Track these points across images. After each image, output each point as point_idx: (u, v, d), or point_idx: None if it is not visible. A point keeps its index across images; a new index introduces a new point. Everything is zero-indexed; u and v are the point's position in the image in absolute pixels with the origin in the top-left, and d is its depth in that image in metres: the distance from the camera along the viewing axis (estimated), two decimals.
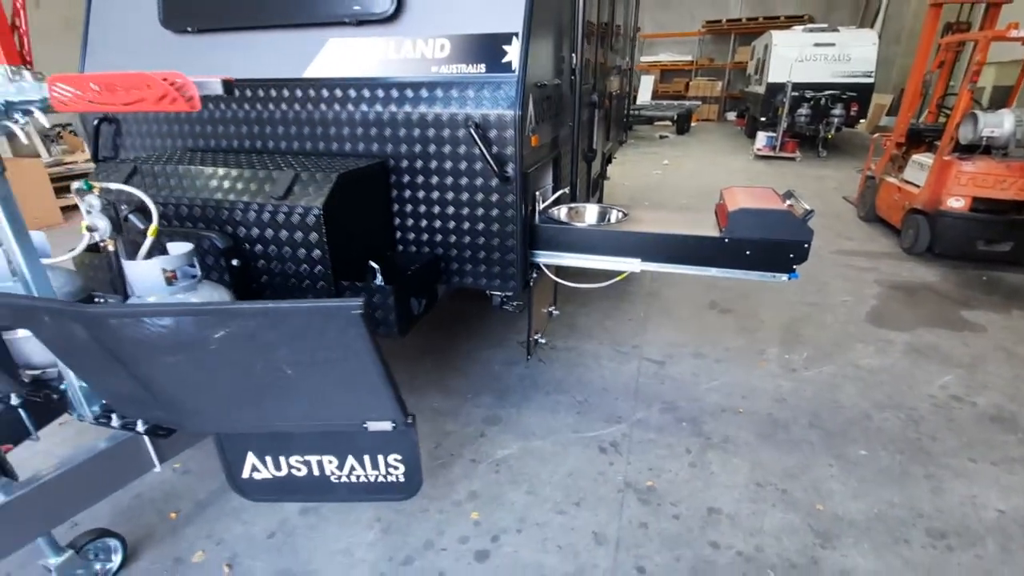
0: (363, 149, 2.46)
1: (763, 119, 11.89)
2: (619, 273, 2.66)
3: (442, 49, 2.27)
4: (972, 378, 3.24)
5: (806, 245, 2.27)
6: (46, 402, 1.94)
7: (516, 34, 2.18)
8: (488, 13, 2.20)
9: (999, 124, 4.79)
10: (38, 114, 1.53)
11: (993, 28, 5.44)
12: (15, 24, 1.50)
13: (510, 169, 2.29)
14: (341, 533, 2.18)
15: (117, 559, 1.99)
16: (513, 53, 2.19)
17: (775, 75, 11.53)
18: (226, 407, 1.59)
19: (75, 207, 6.98)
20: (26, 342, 1.86)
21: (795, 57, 11.40)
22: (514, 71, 2.19)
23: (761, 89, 12.34)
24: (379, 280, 2.26)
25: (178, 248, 1.75)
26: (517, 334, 3.68)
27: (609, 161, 5.89)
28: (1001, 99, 8.00)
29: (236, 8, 2.49)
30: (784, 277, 2.35)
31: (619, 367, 3.35)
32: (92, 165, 7.35)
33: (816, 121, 10.97)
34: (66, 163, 7.36)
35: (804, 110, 10.89)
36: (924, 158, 5.45)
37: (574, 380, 3.21)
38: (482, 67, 2.23)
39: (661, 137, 14.04)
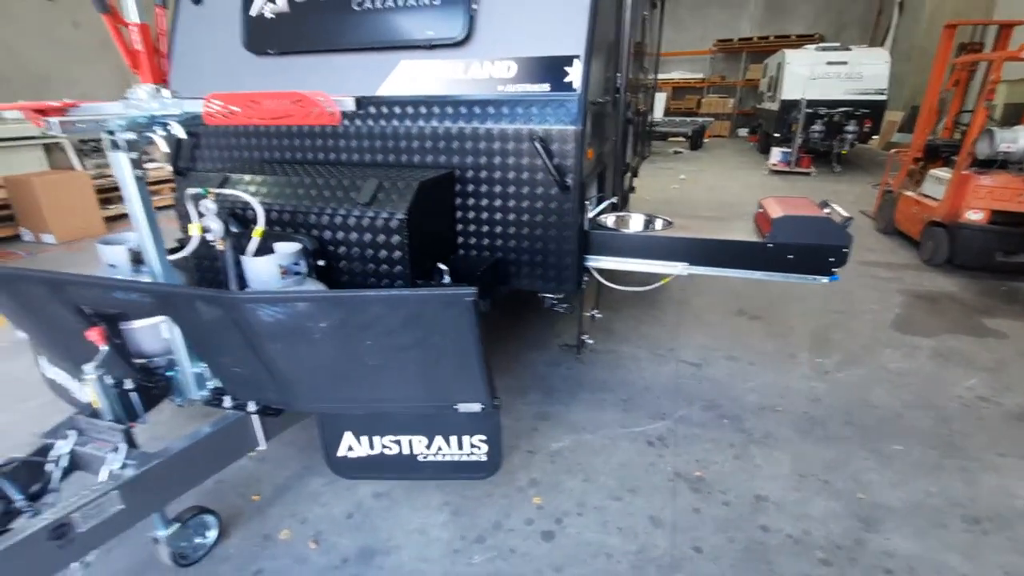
0: (431, 160, 2.67)
1: (777, 135, 12.10)
2: (663, 277, 2.85)
3: (509, 70, 2.49)
4: (997, 380, 3.37)
5: (845, 249, 2.45)
6: (153, 388, 2.13)
7: (578, 56, 2.39)
8: (552, 38, 2.41)
9: (1015, 140, 4.96)
10: (175, 126, 1.75)
11: (1006, 48, 5.64)
12: (157, 48, 1.71)
13: (570, 179, 2.49)
14: (413, 515, 2.34)
15: (212, 534, 2.16)
16: (575, 74, 2.40)
17: (789, 92, 11.77)
18: (336, 388, 1.77)
19: (116, 218, 7.27)
20: (139, 332, 2.06)
21: (808, 75, 11.65)
22: (576, 90, 2.40)
23: (774, 106, 12.58)
24: (447, 280, 2.45)
25: (288, 247, 1.95)
26: (556, 337, 3.85)
27: (635, 174, 6.10)
28: (1012, 116, 8.19)
29: (315, 33, 2.73)
30: (824, 279, 2.52)
31: (658, 368, 3.51)
32: None
33: (830, 137, 11.18)
34: (107, 175, 7.65)
35: (818, 126, 11.11)
36: (942, 173, 5.61)
37: (616, 380, 3.37)
38: (546, 86, 2.44)
39: (675, 152, 14.28)
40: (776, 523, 2.29)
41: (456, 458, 1.94)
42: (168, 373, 2.11)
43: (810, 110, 11.03)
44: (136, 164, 1.69)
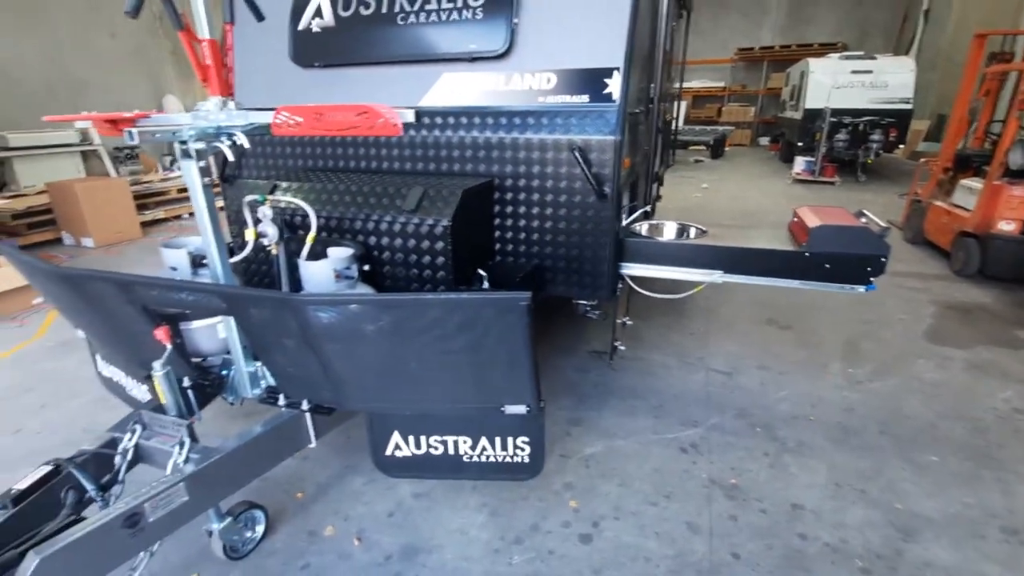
0: (470, 169, 2.74)
1: (800, 144, 12.02)
2: (696, 285, 2.88)
3: (548, 82, 2.55)
4: None
5: (883, 259, 2.46)
6: (208, 386, 2.22)
7: (617, 69, 2.45)
8: (592, 50, 2.48)
9: None
10: (240, 136, 1.84)
11: None
12: (225, 62, 1.81)
13: (607, 188, 2.54)
14: (453, 515, 2.39)
15: (260, 529, 2.23)
16: (614, 85, 2.46)
17: (812, 101, 11.70)
18: (388, 388, 1.83)
19: (150, 223, 7.48)
20: (197, 332, 2.15)
21: (832, 84, 11.58)
22: (615, 101, 2.46)
23: (797, 115, 12.51)
24: (486, 286, 2.51)
25: (342, 252, 2.02)
26: (585, 344, 3.89)
27: (661, 183, 6.13)
28: None
29: (360, 47, 2.83)
30: (861, 289, 2.53)
31: (688, 376, 3.52)
32: (165, 184, 7.85)
33: (854, 146, 11.08)
34: (143, 182, 7.90)
35: (842, 135, 11.02)
36: (973, 183, 5.55)
37: (646, 387, 3.40)
38: (585, 97, 2.50)
39: (696, 161, 14.25)
40: (814, 531, 2.29)
41: (500, 459, 1.99)
42: (223, 372, 2.19)
43: (834, 119, 10.95)
44: (204, 172, 1.78)
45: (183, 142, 1.72)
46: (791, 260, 2.58)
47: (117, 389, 2.53)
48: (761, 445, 2.86)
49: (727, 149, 15.97)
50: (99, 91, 9.76)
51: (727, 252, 2.66)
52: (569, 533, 2.28)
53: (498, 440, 1.96)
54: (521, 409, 1.87)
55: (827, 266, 2.53)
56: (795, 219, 2.81)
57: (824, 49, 16.20)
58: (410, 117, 1.57)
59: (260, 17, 1.88)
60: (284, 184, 2.65)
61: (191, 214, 8.25)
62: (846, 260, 2.49)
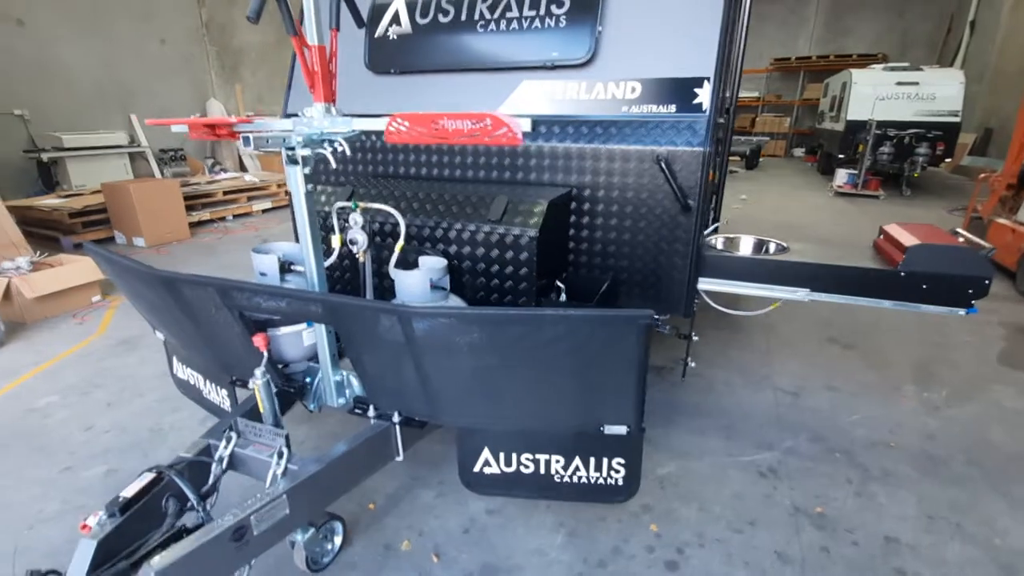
0: (548, 178, 2.69)
1: (841, 156, 11.76)
2: (772, 302, 2.78)
3: (633, 91, 2.49)
4: None
5: (987, 280, 2.33)
6: (292, 393, 2.19)
7: (708, 78, 2.38)
8: (682, 59, 2.41)
9: None
10: (342, 143, 1.81)
11: None
12: (330, 69, 1.78)
13: (692, 200, 2.46)
14: (529, 535, 2.32)
15: (338, 540, 2.19)
16: (704, 95, 2.39)
17: (855, 113, 11.44)
18: (487, 404, 1.78)
19: (198, 224, 7.61)
20: (283, 338, 2.13)
21: (876, 95, 11.31)
22: (705, 111, 2.39)
23: (838, 126, 12.24)
24: (563, 298, 2.45)
25: (436, 262, 1.99)
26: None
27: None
28: None
29: (437, 54, 2.80)
30: (961, 312, 2.40)
31: (754, 395, 3.41)
32: (211, 186, 7.97)
33: (899, 160, 10.79)
34: (191, 184, 8.05)
35: (887, 148, 10.75)
36: None
37: (712, 405, 3.29)
38: (672, 107, 2.43)
39: (731, 172, 14.04)
40: (912, 567, 2.17)
41: (592, 480, 1.92)
42: (306, 379, 2.16)
43: (878, 131, 10.69)
44: (308, 178, 1.75)
45: (290, 148, 1.70)
46: (884, 279, 2.47)
47: (192, 392, 2.53)
48: (842, 471, 2.73)
49: (761, 160, 15.71)
50: (146, 95, 10.01)
51: (814, 269, 2.55)
52: (654, 559, 2.20)
53: (592, 460, 1.89)
54: (621, 429, 1.80)
55: (924, 287, 2.41)
56: (882, 236, 2.70)
57: (864, 60, 15.90)
58: (527, 126, 1.52)
59: (361, 23, 1.86)
60: (360, 190, 2.63)
61: (235, 216, 8.40)
62: (946, 281, 2.37)
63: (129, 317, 4.55)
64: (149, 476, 1.60)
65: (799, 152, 17.86)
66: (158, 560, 1.33)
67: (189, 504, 1.63)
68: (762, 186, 12.10)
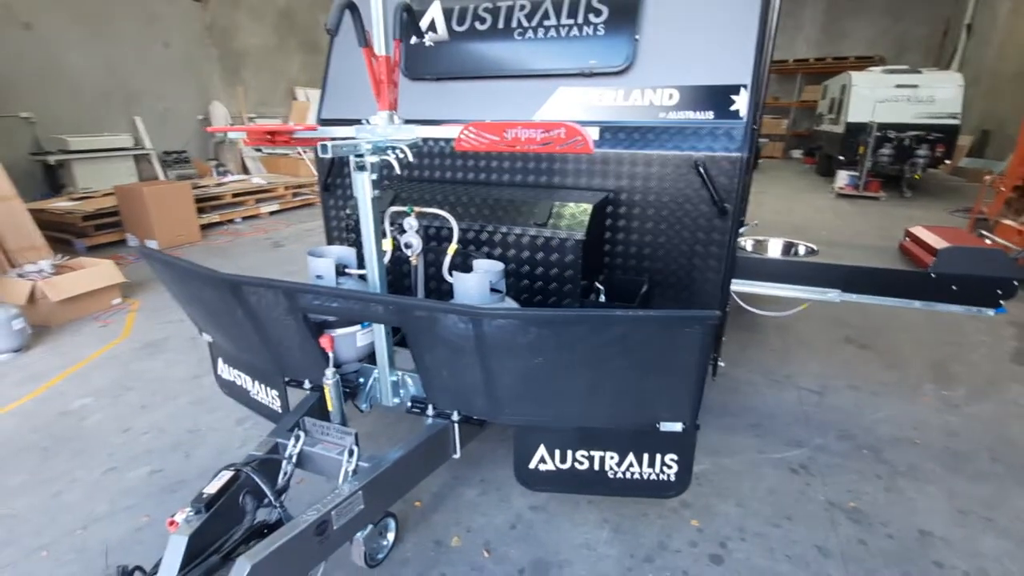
0: (585, 183, 2.75)
1: (841, 158, 11.90)
2: (802, 303, 2.85)
3: (671, 98, 2.56)
4: None
5: (1016, 282, 2.41)
6: (347, 393, 2.24)
7: (745, 85, 2.45)
8: (719, 67, 2.48)
9: None
10: (404, 150, 1.86)
11: None
12: (392, 78, 1.84)
13: (729, 204, 2.53)
14: (575, 530, 2.38)
15: (392, 536, 2.23)
16: (741, 102, 2.45)
17: (855, 115, 11.59)
18: (548, 403, 1.83)
19: (208, 226, 7.61)
20: (339, 340, 2.17)
21: (876, 98, 11.47)
22: (742, 118, 2.45)
23: (838, 128, 12.39)
24: (602, 299, 2.51)
25: (493, 265, 2.04)
26: None
27: None
28: None
29: (473, 61, 2.86)
30: (990, 312, 2.48)
31: (779, 395, 3.48)
32: (220, 189, 8.00)
33: (900, 161, 10.95)
34: (200, 186, 8.06)
35: (887, 150, 10.90)
36: None
37: (738, 404, 3.36)
38: (710, 114, 2.50)
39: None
40: (949, 559, 2.24)
41: (646, 476, 1.98)
42: (359, 380, 2.21)
43: (879, 133, 10.84)
44: (375, 184, 1.80)
45: (359, 155, 1.75)
46: (914, 281, 2.55)
47: (238, 393, 2.57)
48: (871, 468, 2.81)
49: (760, 161, 15.87)
50: (151, 98, 9.99)
51: (845, 271, 2.63)
52: (699, 553, 2.26)
53: (646, 456, 1.95)
54: (677, 427, 1.86)
55: (954, 288, 2.49)
56: (907, 239, 2.77)
57: (861, 63, 16.08)
58: (595, 135, 1.58)
59: (420, 34, 1.91)
60: (404, 195, 2.68)
61: (243, 218, 8.41)
62: (975, 282, 2.45)
63: (152, 320, 4.57)
64: (227, 474, 1.64)
65: (797, 154, 18.03)
66: (252, 554, 1.37)
67: (265, 500, 1.67)
68: (764, 187, 12.21)
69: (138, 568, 1.49)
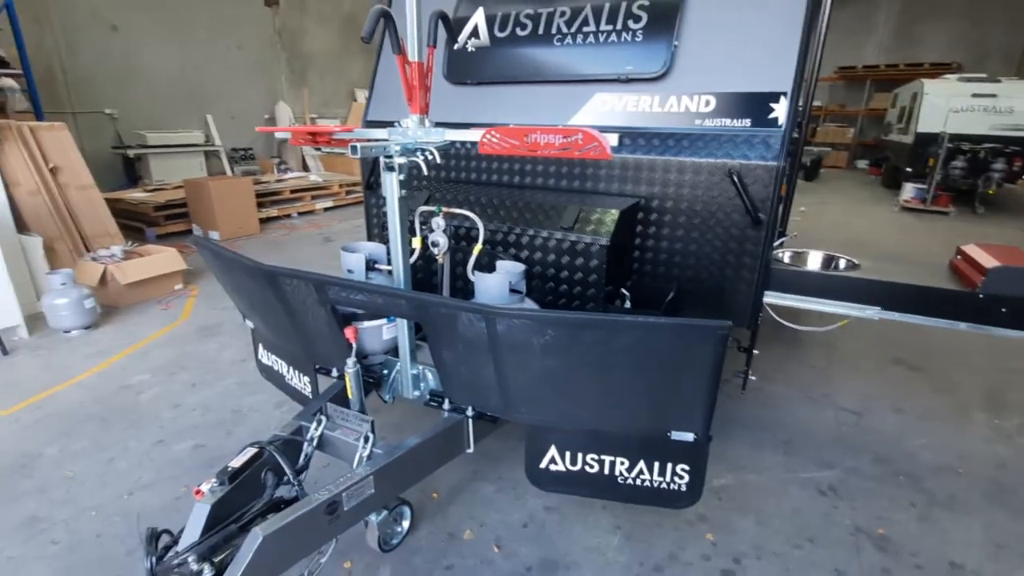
0: (616, 188, 2.76)
1: (908, 170, 11.25)
2: (841, 319, 2.75)
3: (707, 104, 2.53)
4: None
5: None
6: (370, 383, 2.34)
7: (785, 93, 2.39)
8: (759, 74, 2.43)
9: None
10: (433, 152, 1.94)
11: None
12: (425, 83, 1.91)
13: (764, 214, 2.48)
14: (587, 533, 2.39)
15: (406, 524, 2.31)
16: (780, 110, 2.40)
17: (926, 125, 10.94)
18: (559, 404, 1.86)
19: (266, 220, 8.02)
20: (366, 332, 2.27)
21: (949, 107, 10.79)
22: (780, 126, 2.40)
23: (907, 139, 11.73)
24: (628, 305, 2.51)
25: (514, 266, 2.09)
26: None
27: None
28: None
29: (513, 66, 2.92)
30: None
31: (814, 413, 3.36)
32: (280, 185, 8.39)
33: (973, 175, 10.24)
34: (262, 182, 8.50)
35: (959, 163, 10.22)
36: None
37: (770, 420, 3.27)
38: (747, 122, 2.46)
39: None
40: None
41: (655, 484, 1.97)
42: (384, 371, 2.31)
43: (951, 144, 10.19)
44: (402, 185, 1.89)
45: (388, 156, 1.83)
46: (961, 300, 2.42)
47: (275, 377, 2.72)
48: (906, 495, 2.67)
49: (821, 171, 15.21)
50: (222, 97, 10.62)
51: (886, 287, 2.52)
52: (710, 567, 2.23)
53: (657, 464, 1.94)
54: (689, 436, 1.85)
55: (1003, 310, 2.35)
56: (959, 256, 2.63)
57: (936, 70, 15.12)
58: (615, 141, 1.60)
59: (455, 40, 1.98)
60: (436, 194, 2.77)
61: (299, 213, 8.81)
62: None
63: (208, 306, 4.88)
64: (252, 451, 1.76)
65: (863, 164, 17.16)
66: (265, 526, 1.47)
67: (285, 478, 1.78)
68: (823, 198, 11.72)
69: (166, 531, 1.62)
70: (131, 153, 8.80)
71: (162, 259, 4.95)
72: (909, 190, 10.46)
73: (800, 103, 3.10)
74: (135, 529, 2.32)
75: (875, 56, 17.48)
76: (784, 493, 2.66)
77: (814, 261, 2.96)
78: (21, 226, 4.56)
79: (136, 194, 7.34)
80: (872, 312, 2.55)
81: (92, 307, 4.23)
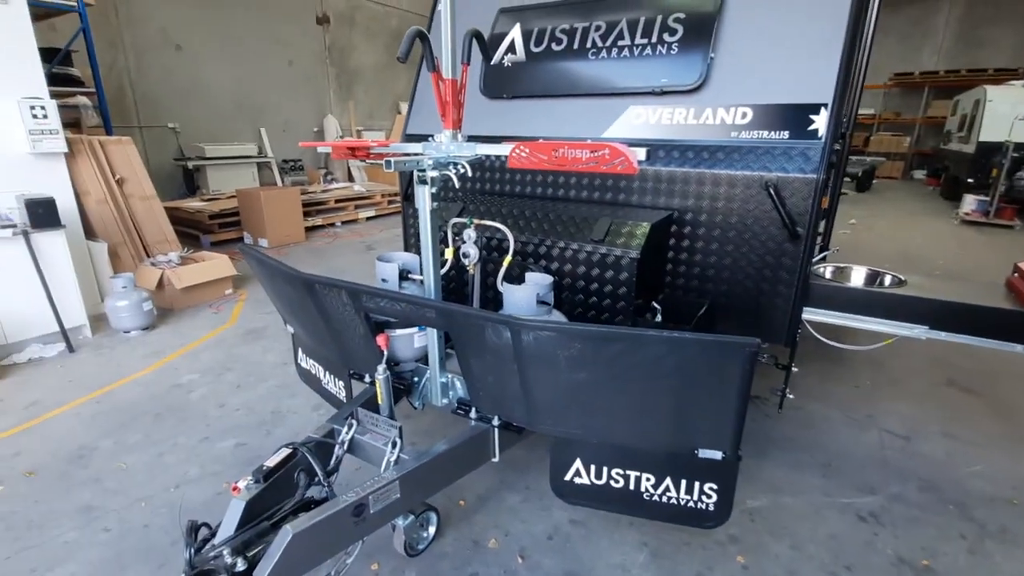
0: (649, 201, 2.75)
1: (970, 180, 10.67)
2: (886, 337, 2.64)
3: (743, 116, 2.50)
4: None
5: None
6: (401, 390, 2.40)
7: (825, 104, 2.34)
8: (799, 85, 2.39)
9: None
10: (464, 165, 1.99)
11: None
12: (459, 100, 1.97)
13: (802, 228, 2.42)
14: (613, 548, 2.36)
15: (432, 530, 2.35)
16: (820, 122, 2.35)
17: (989, 133, 10.38)
18: (584, 416, 1.86)
19: (311, 228, 8.32)
20: (398, 339, 2.34)
21: (1015, 115, 10.19)
22: (820, 138, 2.34)
23: (968, 148, 11.15)
24: (658, 319, 2.49)
25: (542, 278, 2.11)
26: None
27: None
28: None
29: (548, 80, 2.96)
30: None
31: (857, 435, 3.22)
32: (325, 195, 8.68)
33: None
34: (308, 192, 8.84)
35: None
36: None
37: (809, 440, 3.15)
38: (785, 134, 2.41)
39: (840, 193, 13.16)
40: None
41: (682, 502, 1.94)
42: (414, 378, 2.36)
43: (1017, 154, 9.60)
44: (435, 197, 1.95)
45: (422, 170, 1.90)
46: (1015, 321, 2.28)
47: (312, 381, 2.82)
48: (955, 525, 2.53)
49: (874, 182, 14.59)
50: (274, 111, 11.12)
51: (935, 306, 2.41)
52: None
53: (684, 483, 1.91)
54: (716, 455, 1.81)
55: None
56: (1016, 274, 2.49)
57: (1002, 75, 14.33)
58: (643, 156, 1.61)
59: (489, 58, 2.04)
60: (470, 206, 2.83)
61: (343, 222, 9.10)
62: None
63: (255, 310, 5.10)
64: (286, 451, 1.84)
65: (920, 174, 16.38)
66: (295, 523, 1.54)
67: (316, 479, 1.85)
68: (875, 210, 11.24)
69: (204, 524, 1.71)
70: (190, 164, 9.31)
71: (215, 265, 5.22)
72: (970, 202, 9.92)
73: (844, 113, 3.02)
74: (179, 521, 2.45)
75: (933, 62, 16.72)
76: (821, 518, 2.56)
77: (857, 277, 2.86)
78: (89, 233, 4.89)
79: (193, 203, 7.76)
80: (919, 331, 2.44)
81: (150, 309, 4.50)
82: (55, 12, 6.15)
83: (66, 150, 4.34)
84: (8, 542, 2.36)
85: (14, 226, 3.84)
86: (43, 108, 4.09)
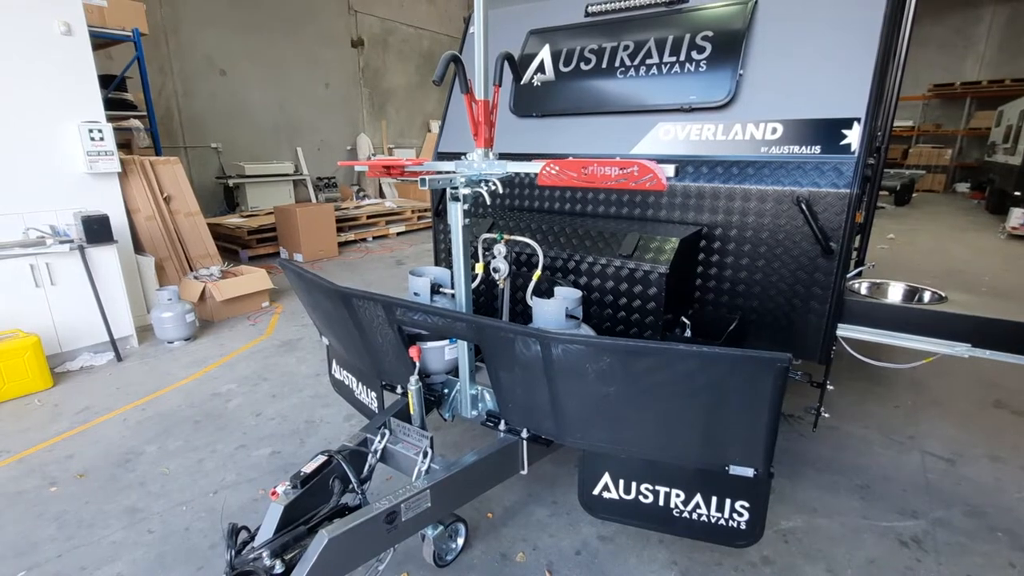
0: (678, 216, 2.75)
1: (1017, 193, 10.27)
2: (926, 356, 2.56)
3: (774, 132, 2.50)
4: None
5: None
6: (432, 401, 2.44)
7: (858, 119, 2.32)
8: (830, 100, 2.38)
9: None
10: (496, 182, 2.04)
11: None
12: (491, 119, 2.03)
13: (835, 244, 2.39)
14: (641, 567, 2.34)
15: (461, 541, 2.37)
16: (853, 136, 2.33)
17: None
18: (613, 430, 1.87)
19: (344, 244, 8.53)
20: (429, 352, 2.39)
21: None
22: (853, 153, 2.32)
23: (1015, 160, 10.75)
24: (688, 334, 2.48)
25: (571, 292, 2.14)
26: None
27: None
28: None
29: (577, 99, 3.01)
30: None
31: (897, 457, 3.12)
32: (358, 211, 8.90)
33: None
34: (341, 208, 9.10)
35: None
36: None
37: (846, 461, 3.07)
38: (817, 148, 2.40)
39: (877, 208, 12.81)
40: None
41: (713, 520, 1.92)
42: (444, 390, 2.41)
43: None
44: (466, 214, 2.01)
45: (454, 187, 1.96)
46: None
47: (345, 392, 2.90)
48: (1004, 553, 2.42)
49: (914, 195, 14.15)
50: (309, 130, 11.51)
51: (977, 323, 2.34)
52: None
53: (715, 499, 1.89)
54: (748, 472, 1.79)
55: None
56: None
57: None
58: (671, 172, 1.63)
59: (520, 79, 2.10)
60: (500, 221, 2.89)
61: (374, 237, 9.32)
62: None
63: (290, 323, 5.26)
64: (322, 458, 1.90)
65: (963, 187, 15.82)
66: (330, 529, 1.59)
67: (350, 486, 1.90)
68: (915, 224, 10.89)
69: (244, 528, 1.78)
70: (231, 182, 9.69)
71: (253, 279, 5.41)
72: (1018, 216, 9.51)
73: (878, 126, 2.98)
74: (218, 525, 2.53)
75: (976, 71, 16.22)
76: (859, 541, 2.48)
77: (895, 293, 2.79)
78: (137, 247, 5.15)
79: (233, 219, 8.06)
80: (961, 349, 2.37)
81: (192, 320, 4.69)
82: (112, 42, 6.55)
83: (119, 170, 4.59)
84: (61, 540, 2.48)
85: (71, 241, 4.07)
86: (100, 131, 4.35)
